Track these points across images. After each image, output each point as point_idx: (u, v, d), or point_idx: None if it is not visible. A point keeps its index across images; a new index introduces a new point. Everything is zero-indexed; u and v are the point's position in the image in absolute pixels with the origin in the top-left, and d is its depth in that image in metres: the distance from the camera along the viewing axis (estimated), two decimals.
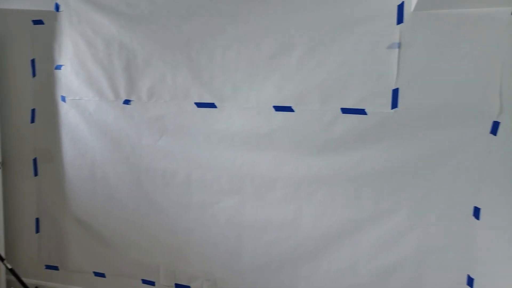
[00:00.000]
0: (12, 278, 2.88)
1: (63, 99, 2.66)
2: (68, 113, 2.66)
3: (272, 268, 2.38)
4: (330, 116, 2.19)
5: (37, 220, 2.85)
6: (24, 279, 2.88)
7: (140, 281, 2.65)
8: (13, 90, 2.78)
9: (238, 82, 2.28)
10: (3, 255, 2.72)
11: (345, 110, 2.17)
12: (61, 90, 2.66)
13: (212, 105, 2.35)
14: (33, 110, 2.76)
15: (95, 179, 2.64)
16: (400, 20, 2.05)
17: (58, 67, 2.64)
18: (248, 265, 2.40)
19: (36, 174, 2.82)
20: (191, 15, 2.32)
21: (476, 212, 2.06)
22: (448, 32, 1.99)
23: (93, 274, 2.76)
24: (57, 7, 2.58)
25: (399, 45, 2.06)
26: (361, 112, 2.15)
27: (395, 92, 2.09)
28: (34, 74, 2.72)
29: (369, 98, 2.13)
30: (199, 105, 2.37)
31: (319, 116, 2.21)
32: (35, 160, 2.81)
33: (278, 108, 2.26)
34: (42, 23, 2.64)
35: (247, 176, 2.33)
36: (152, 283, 2.62)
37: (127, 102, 2.50)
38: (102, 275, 2.74)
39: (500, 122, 1.97)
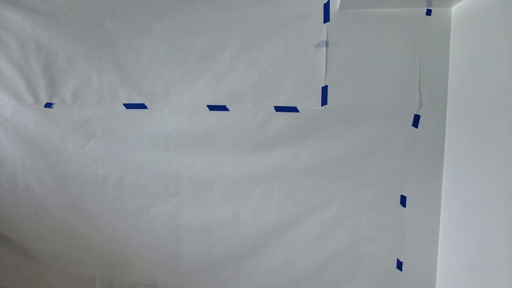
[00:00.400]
0: None
1: None
2: None
3: (213, 269, 2.37)
4: (264, 115, 2.21)
5: None
6: None
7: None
8: None
9: (169, 82, 2.21)
10: None
11: (278, 108, 2.20)
12: None
13: (142, 106, 2.25)
14: None
15: (17, 190, 2.44)
16: (326, 19, 2.10)
17: None
18: (189, 267, 2.37)
19: None
20: (116, 12, 2.20)
21: (403, 200, 2.20)
22: (371, 30, 2.08)
23: None
24: None
25: (327, 44, 2.11)
26: (294, 109, 2.19)
27: (325, 90, 2.16)
28: None
29: (300, 96, 2.17)
30: (129, 106, 2.26)
31: (253, 114, 2.21)
32: None
33: (212, 108, 2.23)
34: None
35: (184, 178, 2.28)
36: None
37: (49, 105, 2.32)
38: None
39: (421, 115, 2.11)
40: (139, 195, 2.34)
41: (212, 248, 2.34)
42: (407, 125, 2.14)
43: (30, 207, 2.44)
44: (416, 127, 2.13)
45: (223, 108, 2.22)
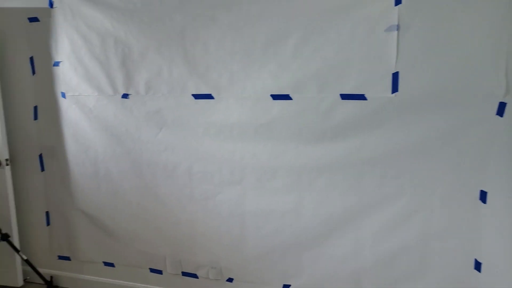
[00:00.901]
0: (28, 268, 2.99)
1: (63, 95, 2.67)
2: (68, 109, 2.67)
3: (276, 256, 2.39)
4: (329, 103, 2.15)
5: (47, 213, 2.92)
6: (39, 269, 2.98)
7: (148, 270, 2.71)
8: (15, 88, 2.81)
9: (234, 72, 2.25)
10: (18, 247, 2.81)
11: (344, 96, 2.12)
12: (61, 87, 2.67)
13: (209, 96, 2.32)
14: (35, 107, 2.79)
15: (98, 175, 2.67)
16: (398, 1, 1.96)
17: (56, 64, 2.64)
18: (252, 253, 2.42)
19: (43, 169, 2.87)
20: (184, 5, 2.27)
21: (483, 196, 2.01)
22: (449, 11, 1.90)
23: (103, 264, 2.83)
24: (51, 4, 2.57)
25: (398, 27, 1.98)
26: (361, 97, 2.10)
27: (395, 76, 2.03)
28: (33, 72, 2.73)
29: (368, 83, 2.07)
30: (197, 96, 2.35)
31: (317, 103, 2.16)
32: (41, 156, 2.85)
33: (275, 97, 2.22)
34: (38, 20, 2.63)
35: (248, 167, 2.32)
36: (160, 272, 2.68)
37: (125, 96, 2.49)
38: (111, 264, 2.80)
39: (507, 103, 1.90)
40: (206, 181, 2.43)
41: (274, 235, 2.36)
42: (490, 114, 1.94)
43: (109, 190, 2.66)
44: (501, 115, 1.91)
45: (286, 97, 2.20)
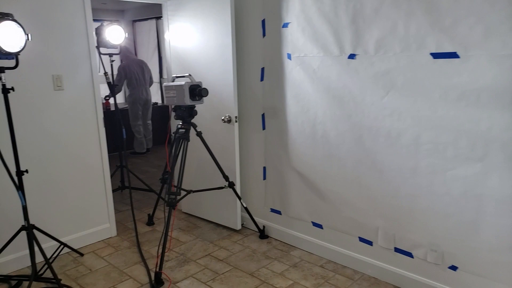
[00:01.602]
0: (246, 215, 3.34)
1: (289, 56, 2.76)
2: (293, 71, 2.76)
3: None
4: None
5: (264, 168, 3.17)
6: (254, 218, 3.30)
7: (357, 239, 2.64)
8: (247, 50, 3.06)
9: (492, 24, 1.85)
10: (239, 195, 3.15)
11: None
12: (287, 48, 2.76)
13: (453, 55, 1.99)
14: (262, 69, 2.99)
15: (315, 136, 2.70)
16: None
17: (285, 25, 2.73)
18: (487, 244, 2.05)
19: (264, 128, 3.09)
20: None
21: None
22: None
23: (311, 224, 2.91)
24: None
25: None
26: None
27: None
28: (264, 34, 2.91)
29: None
30: (436, 55, 2.05)
31: None
32: (263, 116, 3.07)
33: None
34: None
35: (496, 141, 1.93)
36: (370, 243, 2.57)
37: (352, 56, 2.39)
38: (319, 226, 2.85)
39: None
40: (435, 154, 2.15)
41: None
42: None
43: (325, 152, 2.67)
44: None
45: None
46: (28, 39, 2.22)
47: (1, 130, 2.56)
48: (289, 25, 2.71)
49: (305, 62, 2.66)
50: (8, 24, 2.13)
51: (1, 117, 2.55)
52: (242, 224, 3.41)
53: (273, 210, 3.19)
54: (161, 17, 7.05)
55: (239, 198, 3.15)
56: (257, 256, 2.91)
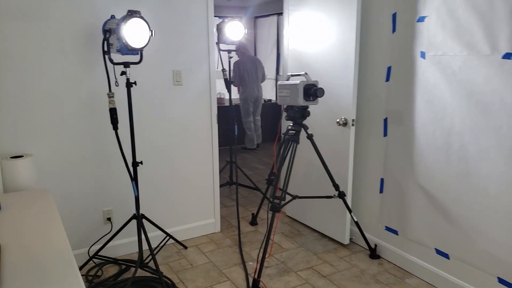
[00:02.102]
0: (355, 229, 3.03)
1: (423, 55, 2.37)
2: (426, 71, 2.35)
3: None
4: None
5: (382, 180, 2.81)
6: (365, 234, 2.97)
7: (496, 279, 2.15)
8: (373, 47, 2.74)
9: None
10: (350, 206, 2.86)
11: None
12: (421, 45, 2.37)
13: None
14: (389, 68, 2.63)
15: (450, 148, 2.27)
16: None
17: (421, 19, 2.35)
18: None
19: (385, 134, 2.74)
20: None
21: None
22: None
23: (434, 251, 2.48)
24: None
25: None
26: None
27: None
28: (394, 29, 2.55)
29: None
30: None
31: None
32: (385, 120, 2.72)
33: None
34: None
35: None
36: None
37: (508, 56, 1.91)
38: (445, 255, 2.41)
39: None
40: None
41: None
42: None
43: (461, 169, 2.22)
44: None
45: None
46: (152, 35, 2.28)
47: (122, 122, 2.71)
48: (425, 19, 2.32)
49: (443, 62, 2.24)
50: (135, 21, 2.20)
51: (123, 110, 2.69)
52: (350, 239, 3.11)
53: (388, 229, 2.82)
54: (282, 13, 7.00)
55: (350, 211, 2.85)
56: (365, 278, 2.60)
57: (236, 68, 5.61)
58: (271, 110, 6.70)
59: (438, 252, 2.46)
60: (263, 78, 5.90)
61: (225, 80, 3.84)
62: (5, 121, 2.37)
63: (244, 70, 5.63)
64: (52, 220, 1.66)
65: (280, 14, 7.09)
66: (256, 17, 7.73)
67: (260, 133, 6.25)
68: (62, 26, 2.44)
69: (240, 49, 5.61)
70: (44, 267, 1.26)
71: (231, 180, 4.27)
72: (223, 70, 3.78)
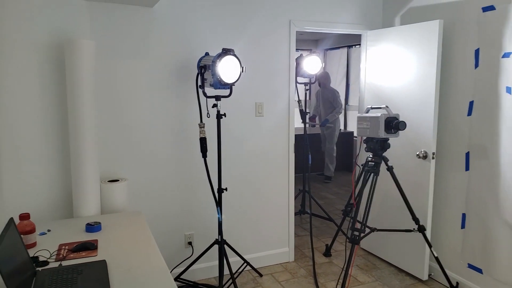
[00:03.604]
0: (435, 265, 2.95)
1: (508, 90, 2.34)
2: None
3: None
4: None
5: (464, 215, 2.74)
6: (446, 271, 2.88)
7: None
8: (454, 82, 2.75)
9: None
10: (429, 241, 2.81)
11: None
12: (507, 81, 2.35)
13: None
14: (471, 103, 2.62)
15: None
16: None
17: (506, 55, 2.33)
18: None
19: (467, 168, 2.69)
20: None
21: None
22: None
23: None
24: None
25: None
26: None
27: None
28: (476, 65, 2.55)
29: None
30: None
31: None
32: (467, 154, 2.68)
33: None
34: (493, 8, 2.40)
35: None
36: None
37: None
38: None
39: None
40: None
41: None
42: None
43: None
44: None
45: None
46: (242, 71, 2.50)
47: (211, 150, 2.95)
48: (511, 55, 2.30)
49: None
50: (229, 59, 2.44)
51: (210, 139, 2.93)
52: (429, 275, 3.02)
53: (471, 266, 2.71)
54: (352, 46, 7.10)
55: (430, 245, 2.79)
56: None
57: (315, 98, 5.85)
58: (340, 139, 6.73)
59: None
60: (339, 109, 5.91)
61: (300, 111, 4.01)
62: (104, 148, 2.66)
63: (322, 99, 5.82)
64: (147, 240, 1.84)
65: (350, 46, 7.21)
66: (327, 50, 7.92)
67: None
68: (161, 63, 2.75)
69: (321, 80, 5.75)
70: (143, 283, 1.42)
71: (303, 209, 4.35)
72: (299, 101, 3.95)
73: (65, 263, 1.58)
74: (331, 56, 7.86)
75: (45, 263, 1.57)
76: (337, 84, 7.66)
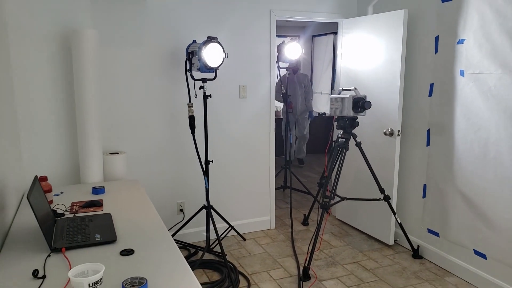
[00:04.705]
0: (399, 231, 3.30)
1: (462, 73, 2.64)
2: (464, 88, 2.63)
3: None
4: None
5: (425, 186, 3.07)
6: (409, 236, 3.23)
7: None
8: (417, 66, 3.05)
9: None
10: (394, 209, 3.14)
11: None
12: (461, 64, 2.65)
13: None
14: (431, 85, 2.92)
15: (486, 157, 2.51)
16: None
17: (460, 42, 2.63)
18: None
19: (428, 144, 3.01)
20: None
21: None
22: None
23: (473, 252, 2.69)
24: None
25: None
26: None
27: None
28: (436, 50, 2.85)
29: None
30: None
31: None
32: (428, 131, 2.99)
33: None
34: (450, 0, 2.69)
35: None
36: None
37: None
38: (483, 255, 2.62)
39: None
40: None
41: None
42: None
43: (497, 176, 2.45)
44: None
45: None
46: (225, 57, 2.78)
47: (199, 128, 3.24)
48: (464, 42, 2.60)
49: (480, 80, 2.51)
50: (213, 45, 2.71)
51: (199, 118, 3.22)
52: (395, 240, 3.37)
53: (430, 231, 3.06)
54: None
55: (394, 213, 3.13)
56: (406, 274, 2.86)
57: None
58: (326, 123, 7.04)
59: (477, 252, 2.67)
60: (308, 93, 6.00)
61: (282, 94, 4.29)
62: (106, 125, 2.98)
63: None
64: (144, 201, 2.18)
65: (336, 33, 7.46)
66: (314, 36, 8.16)
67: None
68: (154, 50, 3.02)
69: (291, 65, 5.87)
70: (145, 231, 1.73)
71: (285, 185, 4.67)
72: (281, 85, 4.23)
73: (77, 215, 1.90)
74: (318, 43, 8.11)
75: (62, 214, 1.90)
76: (324, 69, 7.93)
